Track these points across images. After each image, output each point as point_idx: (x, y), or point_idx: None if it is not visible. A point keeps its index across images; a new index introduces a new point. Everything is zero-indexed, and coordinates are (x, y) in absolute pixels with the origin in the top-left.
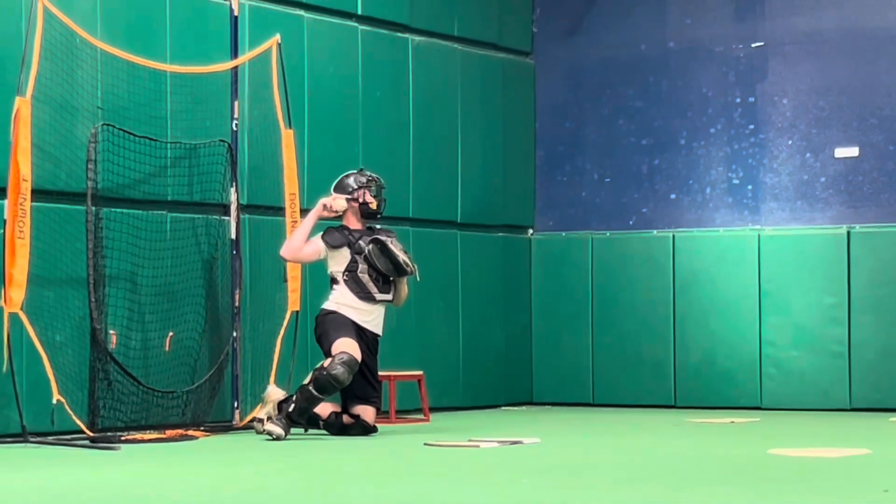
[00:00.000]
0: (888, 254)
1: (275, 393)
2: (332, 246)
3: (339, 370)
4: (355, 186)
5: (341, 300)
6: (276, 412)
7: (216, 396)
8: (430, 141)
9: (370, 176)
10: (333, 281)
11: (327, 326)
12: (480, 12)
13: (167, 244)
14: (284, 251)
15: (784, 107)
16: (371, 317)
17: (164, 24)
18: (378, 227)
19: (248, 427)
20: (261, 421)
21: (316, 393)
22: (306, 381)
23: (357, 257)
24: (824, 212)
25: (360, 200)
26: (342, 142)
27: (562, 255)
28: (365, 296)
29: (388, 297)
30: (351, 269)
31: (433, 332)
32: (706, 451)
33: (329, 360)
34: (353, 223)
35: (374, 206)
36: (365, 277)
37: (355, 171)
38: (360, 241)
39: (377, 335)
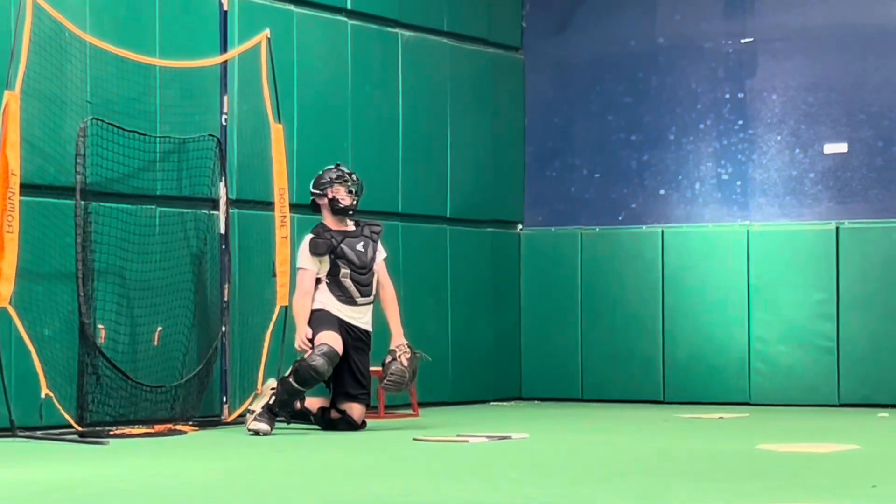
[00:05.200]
0: (877, 249)
1: (272, 385)
2: (318, 254)
3: (318, 361)
4: (326, 182)
5: (324, 300)
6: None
7: (205, 391)
8: (419, 136)
9: (342, 171)
10: (317, 280)
11: (312, 323)
12: (470, 7)
13: (156, 239)
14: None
15: (773, 103)
16: (357, 314)
17: (153, 18)
18: (362, 221)
19: (236, 422)
20: (252, 412)
21: (296, 385)
22: (287, 373)
23: (339, 262)
24: (813, 207)
25: (330, 196)
26: (331, 137)
27: (551, 251)
28: (347, 299)
29: (370, 299)
30: (333, 274)
31: (422, 327)
32: (694, 446)
33: (309, 352)
34: (329, 220)
35: (344, 202)
36: (347, 282)
37: (331, 168)
38: (343, 245)
39: (368, 331)
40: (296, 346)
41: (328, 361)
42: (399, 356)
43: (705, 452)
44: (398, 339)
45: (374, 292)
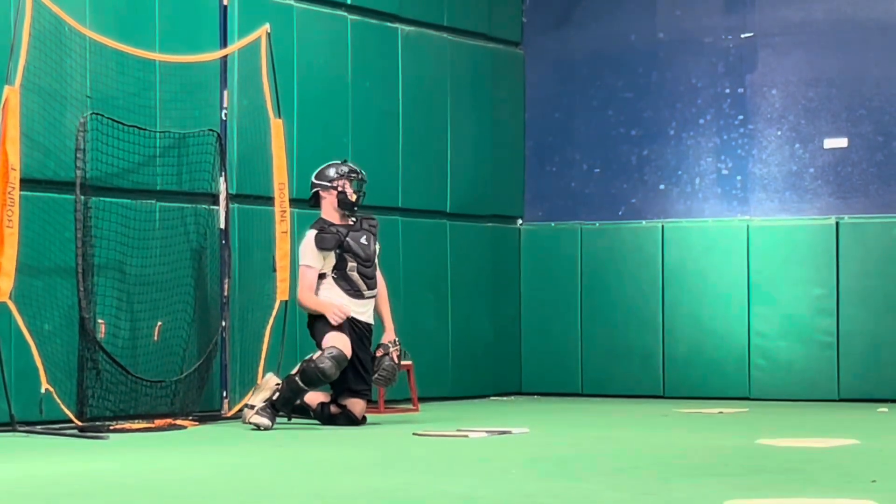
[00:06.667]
0: (877, 244)
1: (272, 380)
2: (326, 249)
3: (326, 364)
4: (335, 176)
5: (331, 295)
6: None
7: (205, 386)
8: (419, 131)
9: (352, 167)
10: (320, 276)
11: (319, 319)
12: (470, 2)
13: (156, 233)
14: (299, 299)
15: (773, 98)
16: (363, 308)
17: (153, 12)
18: (358, 215)
19: (237, 416)
20: (252, 407)
21: (302, 384)
22: (294, 372)
23: (346, 256)
24: (813, 203)
25: (339, 189)
26: (331, 132)
27: (551, 246)
28: (355, 293)
29: (374, 292)
30: (339, 268)
31: (422, 322)
32: (694, 441)
33: (318, 353)
34: (331, 214)
35: (352, 197)
36: (354, 275)
37: (338, 162)
38: (349, 239)
39: (370, 325)
40: (333, 321)
41: (336, 365)
42: (391, 352)
43: (705, 447)
44: (390, 335)
45: (377, 286)
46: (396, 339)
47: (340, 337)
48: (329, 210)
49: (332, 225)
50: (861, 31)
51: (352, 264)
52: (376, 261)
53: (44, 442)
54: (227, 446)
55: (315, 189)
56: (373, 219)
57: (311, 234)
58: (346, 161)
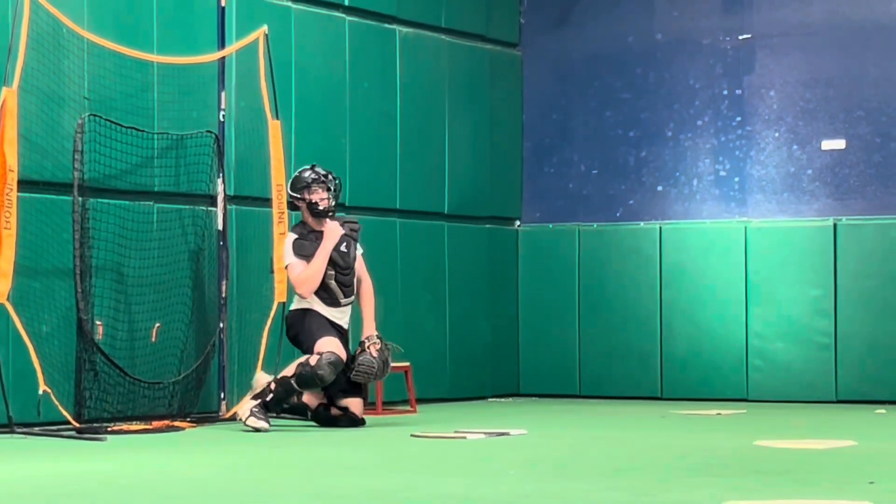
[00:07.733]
0: (874, 246)
1: (263, 378)
2: (304, 256)
3: (325, 370)
4: (302, 186)
5: (311, 303)
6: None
7: (202, 387)
8: (417, 132)
9: (320, 173)
10: None
11: (307, 325)
12: (468, 4)
13: (154, 235)
14: (305, 290)
15: (771, 99)
16: (341, 315)
17: (151, 14)
18: (339, 219)
19: (234, 418)
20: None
21: (297, 386)
22: (289, 374)
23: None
24: (811, 204)
25: (308, 199)
26: (329, 133)
27: (549, 247)
28: (332, 301)
29: (351, 299)
30: None
31: (420, 324)
32: (692, 442)
33: (316, 357)
34: (311, 220)
35: (322, 205)
36: (332, 283)
37: (307, 168)
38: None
39: (347, 329)
40: (336, 241)
41: (333, 370)
42: (368, 347)
43: (703, 448)
44: (369, 331)
45: (354, 292)
46: (376, 335)
47: (334, 342)
48: (307, 216)
49: (312, 231)
50: (859, 32)
51: (330, 272)
52: (356, 266)
53: (42, 443)
54: (225, 447)
55: (290, 199)
56: (355, 223)
57: (291, 237)
58: (314, 167)
